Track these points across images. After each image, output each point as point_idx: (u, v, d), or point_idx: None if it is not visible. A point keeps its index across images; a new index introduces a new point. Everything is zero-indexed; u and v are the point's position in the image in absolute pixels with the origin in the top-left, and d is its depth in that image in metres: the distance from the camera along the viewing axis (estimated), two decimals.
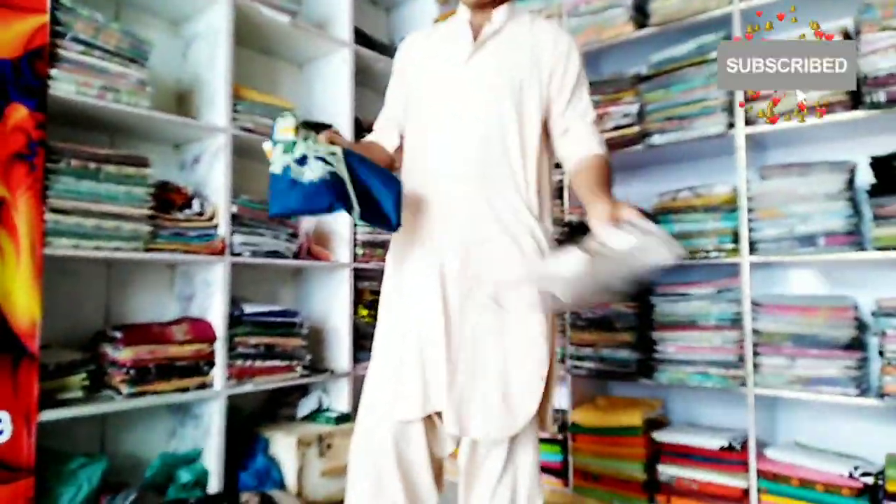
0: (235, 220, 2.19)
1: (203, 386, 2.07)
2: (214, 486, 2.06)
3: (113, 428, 2.13)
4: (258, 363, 2.22)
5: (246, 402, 2.44)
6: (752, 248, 2.15)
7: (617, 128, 2.45)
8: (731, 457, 2.14)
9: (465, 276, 1.36)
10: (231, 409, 2.13)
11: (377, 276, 2.77)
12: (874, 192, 1.96)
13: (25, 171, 1.69)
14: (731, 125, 2.19)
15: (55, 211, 1.74)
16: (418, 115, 1.50)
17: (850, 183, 2.04)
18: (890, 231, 1.92)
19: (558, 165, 2.54)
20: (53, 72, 1.77)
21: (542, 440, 1.94)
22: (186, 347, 2.03)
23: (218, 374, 2.10)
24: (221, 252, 2.13)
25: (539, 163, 1.44)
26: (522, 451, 1.41)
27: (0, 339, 1.62)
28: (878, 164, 1.97)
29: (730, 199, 2.23)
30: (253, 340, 2.21)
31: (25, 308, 1.67)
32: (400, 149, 1.57)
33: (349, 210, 1.24)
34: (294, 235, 2.41)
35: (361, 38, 2.77)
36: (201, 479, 2.05)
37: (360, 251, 2.64)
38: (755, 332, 2.12)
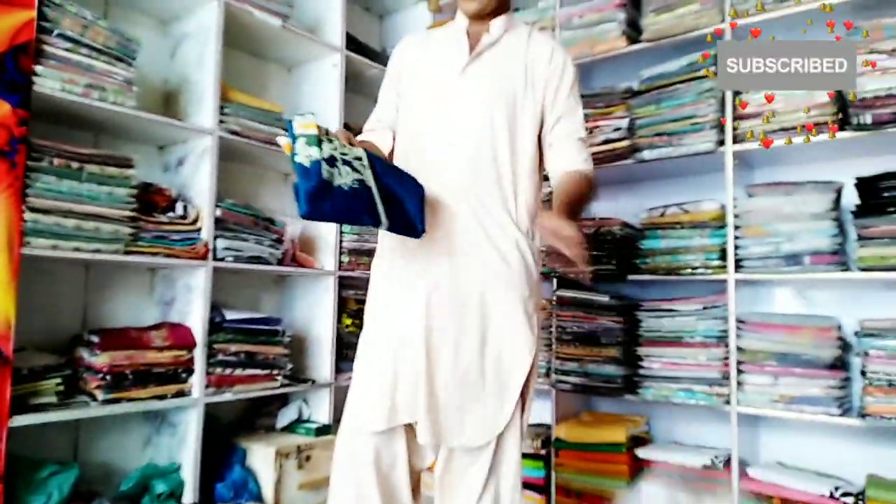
0: (219, 224, 2.15)
1: (181, 393, 2.02)
2: (190, 497, 2.00)
3: (87, 435, 2.07)
4: (238, 371, 2.18)
5: (224, 411, 2.39)
6: (738, 266, 2.16)
7: (607, 141, 2.46)
8: (714, 475, 2.14)
9: (450, 287, 1.34)
10: (209, 417, 2.08)
11: (362, 284, 2.74)
12: (859, 212, 1.98)
13: (6, 168, 1.64)
14: (721, 142, 2.20)
15: (34, 210, 1.70)
16: (411, 121, 1.49)
17: (837, 203, 2.06)
18: (874, 252, 1.94)
19: (548, 178, 2.55)
20: (38, 68, 1.72)
21: (525, 455, 1.92)
22: (165, 353, 1.98)
23: (196, 381, 2.05)
24: (204, 256, 2.09)
25: (530, 177, 1.44)
26: (504, 466, 1.39)
27: None
28: (863, 185, 1.99)
29: (717, 216, 2.24)
30: (233, 348, 2.17)
31: (0, 309, 1.62)
32: (392, 152, 1.55)
33: (377, 223, 1.21)
34: (279, 241, 2.37)
35: (353, 43, 2.75)
36: (176, 490, 1.99)
37: (345, 259, 2.61)
38: (739, 349, 2.13)
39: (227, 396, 2.13)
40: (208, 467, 2.08)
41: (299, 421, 2.43)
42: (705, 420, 2.40)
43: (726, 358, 2.16)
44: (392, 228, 1.24)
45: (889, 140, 1.96)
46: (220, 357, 2.12)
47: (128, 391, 1.88)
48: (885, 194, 1.94)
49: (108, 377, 1.83)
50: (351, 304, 2.67)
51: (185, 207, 2.09)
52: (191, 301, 2.12)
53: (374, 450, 1.33)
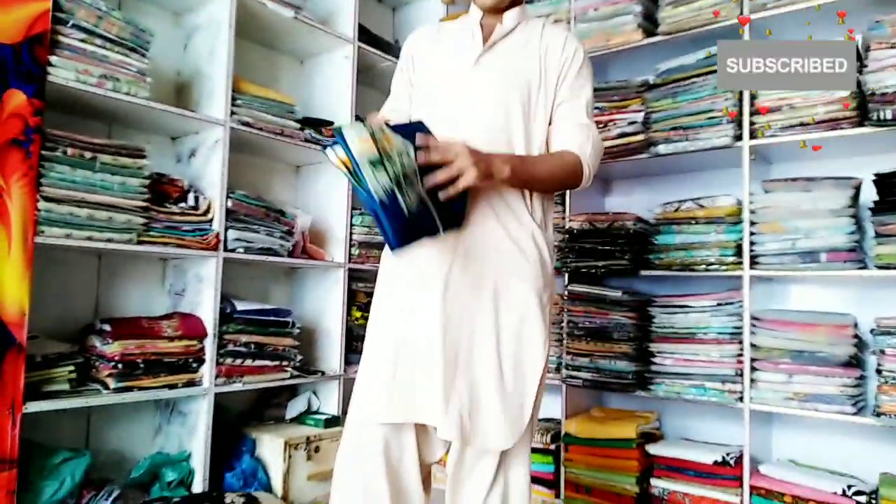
0: (230, 215, 2.16)
1: (191, 383, 2.03)
2: (199, 485, 2.02)
3: (98, 423, 2.09)
4: (248, 362, 2.19)
5: (234, 402, 2.40)
6: (754, 262, 2.13)
7: (622, 135, 2.43)
8: (725, 472, 2.12)
9: (466, 278, 1.33)
10: (219, 407, 2.09)
11: (372, 277, 2.72)
12: (877, 209, 1.95)
13: (21, 157, 1.66)
14: (738, 137, 2.17)
15: (48, 199, 1.71)
16: (424, 111, 1.47)
17: (855, 199, 2.03)
18: (891, 249, 1.91)
19: None
20: (53, 59, 1.73)
21: (534, 450, 1.92)
22: (176, 343, 2.00)
23: (207, 371, 2.06)
24: (215, 247, 2.10)
25: None
26: (515, 460, 1.38)
27: None
28: (881, 181, 1.96)
29: (733, 212, 2.21)
30: (244, 338, 2.18)
31: (15, 297, 1.63)
32: None
33: (435, 233, 1.18)
34: (289, 233, 2.37)
35: (366, 35, 2.74)
36: (186, 479, 2.01)
37: (355, 251, 2.61)
38: (753, 346, 2.11)
39: (237, 387, 2.14)
40: (218, 456, 2.09)
41: (308, 412, 2.44)
42: (717, 417, 2.38)
43: (740, 355, 2.13)
44: (445, 229, 1.20)
45: None
46: (231, 347, 2.13)
47: (139, 380, 1.90)
48: None
49: (119, 366, 1.85)
50: (360, 296, 2.67)
51: (196, 198, 2.10)
52: (201, 291, 2.13)
53: (384, 441, 1.32)
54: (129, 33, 1.90)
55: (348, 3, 2.65)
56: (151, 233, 1.94)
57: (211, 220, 2.11)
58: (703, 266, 2.24)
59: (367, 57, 2.74)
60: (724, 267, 2.20)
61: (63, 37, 1.76)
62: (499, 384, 1.31)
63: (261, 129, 2.28)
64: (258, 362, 2.22)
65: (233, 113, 2.18)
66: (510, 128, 1.38)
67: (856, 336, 2.00)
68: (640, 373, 2.35)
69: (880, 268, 1.92)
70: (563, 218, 2.58)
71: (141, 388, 1.90)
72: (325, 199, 2.65)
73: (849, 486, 1.90)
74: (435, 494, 1.45)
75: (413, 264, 1.38)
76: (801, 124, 2.06)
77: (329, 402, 2.50)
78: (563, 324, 2.52)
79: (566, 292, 2.53)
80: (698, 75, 2.26)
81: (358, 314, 2.64)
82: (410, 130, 1.17)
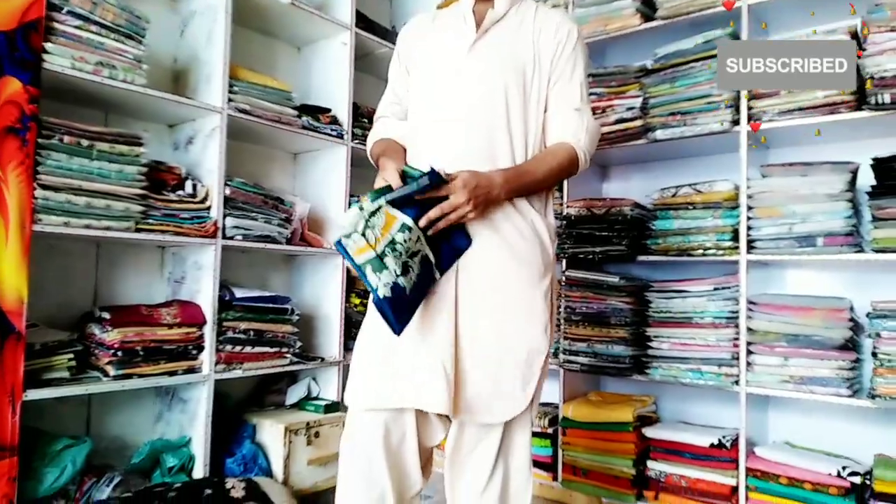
0: (228, 202, 2.16)
1: (191, 370, 2.04)
2: (200, 471, 2.04)
3: (98, 410, 2.10)
4: (247, 349, 2.20)
5: (234, 388, 2.42)
6: (751, 247, 2.14)
7: (620, 121, 2.43)
8: (721, 454, 2.14)
9: (466, 263, 1.33)
10: (219, 394, 2.11)
11: None
12: (874, 193, 1.95)
13: (17, 145, 1.65)
14: (735, 122, 2.17)
15: (45, 187, 1.71)
16: (422, 101, 1.48)
17: (852, 184, 2.03)
18: (889, 233, 1.91)
19: None
20: (48, 45, 1.73)
21: (533, 434, 1.92)
22: (175, 330, 2.00)
23: (206, 358, 2.07)
24: (213, 235, 2.10)
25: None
26: (516, 442, 1.39)
27: None
28: (879, 165, 1.96)
29: (730, 197, 2.21)
30: (243, 325, 2.18)
31: (13, 285, 1.64)
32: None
33: (433, 283, 1.28)
34: (287, 220, 2.37)
35: (363, 21, 2.73)
36: (186, 465, 2.03)
37: None
38: (750, 330, 2.12)
39: (237, 373, 2.16)
40: (218, 442, 2.11)
41: (308, 398, 2.45)
42: (714, 400, 2.40)
43: (736, 338, 2.15)
44: (443, 274, 1.30)
45: None
46: (230, 334, 2.14)
47: (139, 367, 1.91)
48: None
49: (119, 353, 1.86)
50: (359, 283, 2.68)
51: (194, 186, 2.10)
52: (200, 279, 2.13)
53: (384, 426, 1.33)
54: (125, 20, 1.89)
55: None
56: (150, 221, 1.94)
57: (209, 208, 2.11)
58: (701, 251, 2.24)
59: (365, 43, 2.72)
60: (721, 252, 2.20)
61: (58, 23, 1.75)
62: (498, 364, 1.32)
63: (258, 116, 2.27)
64: (258, 349, 2.23)
65: (230, 100, 2.18)
66: (508, 113, 1.38)
67: (852, 319, 2.01)
68: (637, 357, 2.37)
69: (877, 251, 1.93)
70: (561, 204, 2.58)
71: (141, 376, 1.91)
72: (323, 186, 2.65)
73: (843, 468, 1.92)
74: (435, 478, 1.46)
75: None
76: (799, 109, 2.06)
77: (328, 388, 2.51)
78: (561, 309, 2.53)
79: (564, 278, 2.54)
80: (696, 60, 2.25)
81: (357, 301, 2.65)
82: (420, 190, 1.23)
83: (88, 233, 1.80)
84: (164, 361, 1.97)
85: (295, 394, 2.45)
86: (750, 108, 2.14)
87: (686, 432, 2.25)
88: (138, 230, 1.91)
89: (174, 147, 2.30)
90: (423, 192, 1.23)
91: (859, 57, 1.96)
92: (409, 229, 1.21)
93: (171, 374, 1.98)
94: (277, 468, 2.15)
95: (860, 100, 1.97)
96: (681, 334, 2.27)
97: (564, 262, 2.55)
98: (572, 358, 2.48)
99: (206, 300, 2.09)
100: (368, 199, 1.21)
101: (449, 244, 1.30)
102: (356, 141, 2.61)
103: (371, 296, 1.22)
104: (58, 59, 1.74)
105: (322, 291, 2.60)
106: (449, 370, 1.28)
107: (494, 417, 1.34)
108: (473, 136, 1.37)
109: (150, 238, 1.96)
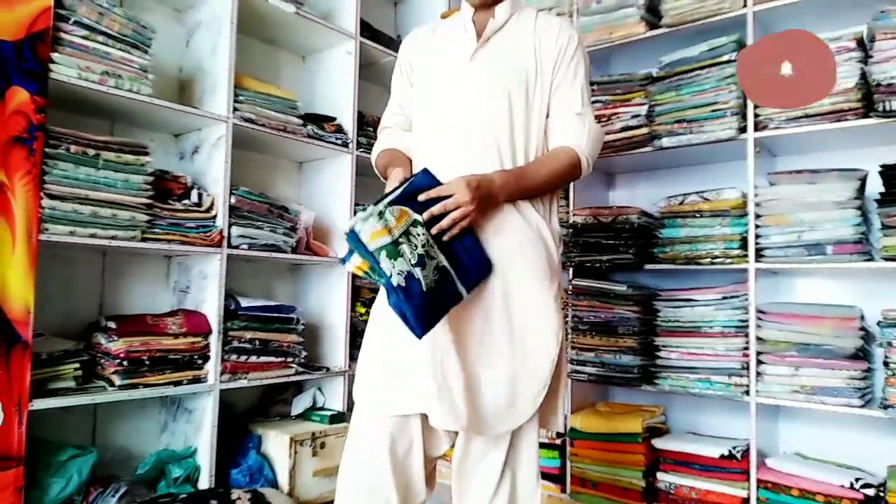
0: (233, 211, 2.16)
1: (196, 380, 2.03)
2: (205, 482, 2.02)
3: (104, 420, 2.09)
4: (253, 358, 2.19)
5: (239, 398, 2.41)
6: (759, 255, 2.12)
7: (626, 129, 2.42)
8: (732, 465, 2.12)
9: None
10: (224, 404, 2.10)
11: None
12: (883, 200, 1.94)
13: (24, 155, 1.66)
14: (742, 129, 2.16)
15: (52, 197, 1.71)
16: (424, 111, 1.48)
17: (861, 191, 2.02)
18: None
19: None
20: (55, 56, 1.73)
21: (540, 444, 1.91)
22: (180, 340, 2.00)
23: (212, 367, 2.06)
24: (219, 244, 2.10)
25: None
26: (523, 453, 1.38)
27: None
28: (887, 172, 1.95)
29: (738, 205, 2.20)
30: (248, 335, 2.17)
31: (19, 295, 1.64)
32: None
33: (458, 299, 1.24)
34: (293, 229, 2.37)
35: (368, 30, 2.74)
36: (192, 475, 2.01)
37: None
38: (759, 339, 2.10)
39: (243, 383, 2.15)
40: (224, 453, 2.09)
41: (314, 408, 2.44)
42: (723, 410, 2.38)
43: (746, 348, 2.13)
44: (470, 288, 1.26)
45: None
46: (235, 344, 2.13)
47: (144, 377, 1.90)
48: None
49: (124, 363, 1.85)
50: (364, 292, 2.67)
51: (199, 195, 2.10)
52: (206, 288, 2.12)
53: (390, 436, 1.32)
54: (131, 30, 1.90)
55: None
56: (155, 230, 1.94)
57: (214, 217, 2.11)
58: (709, 259, 2.23)
59: (370, 52, 2.73)
60: (729, 260, 2.19)
61: (65, 34, 1.76)
62: (510, 375, 1.31)
63: (263, 125, 2.27)
64: (263, 359, 2.22)
65: (235, 109, 2.18)
66: (511, 120, 1.37)
67: (862, 328, 1.99)
68: (645, 367, 2.35)
69: (887, 259, 1.91)
70: (567, 212, 2.57)
71: (146, 385, 1.90)
72: (328, 195, 2.64)
73: (856, 479, 1.90)
74: (442, 489, 1.44)
75: None
76: (806, 116, 2.05)
77: (334, 398, 2.50)
78: (568, 318, 2.51)
79: (570, 287, 2.52)
80: (702, 67, 2.25)
81: (362, 310, 2.64)
82: (414, 189, 1.22)
83: (94, 242, 1.80)
84: (170, 371, 1.96)
85: (300, 404, 2.44)
86: (756, 116, 2.14)
87: (696, 443, 2.23)
88: (144, 239, 1.91)
89: (180, 156, 2.30)
90: (420, 191, 1.22)
91: (865, 64, 1.95)
92: (421, 225, 1.18)
93: (177, 383, 1.98)
94: (283, 479, 2.14)
95: (867, 107, 1.96)
96: (689, 344, 2.25)
97: (571, 270, 2.54)
98: (580, 368, 2.46)
99: (212, 309, 2.09)
100: (372, 204, 1.20)
101: (469, 264, 1.27)
102: (361, 150, 2.61)
103: (387, 296, 1.17)
104: (64, 69, 1.75)
105: (327, 301, 2.59)
106: (461, 384, 1.26)
107: (503, 427, 1.32)
108: (476, 144, 1.37)
109: (156, 247, 1.95)
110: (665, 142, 2.31)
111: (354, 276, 2.58)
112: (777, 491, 2.01)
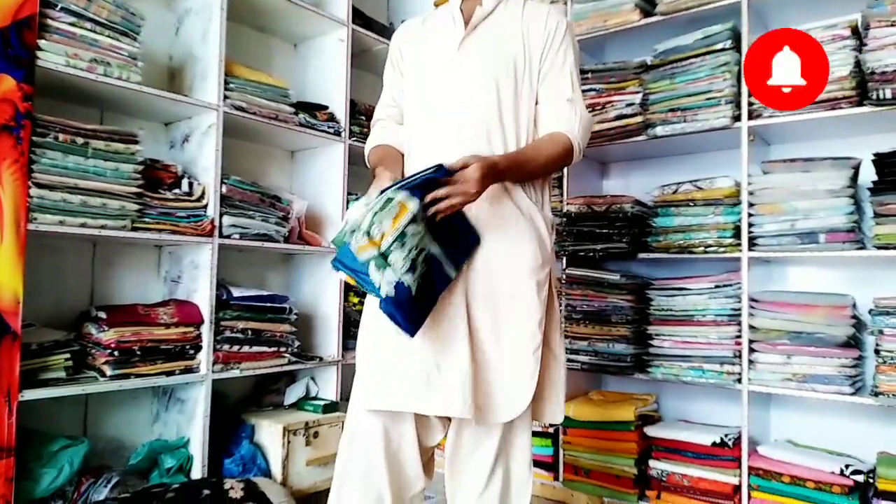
0: (225, 200, 2.14)
1: (188, 370, 2.02)
2: (198, 472, 2.02)
3: (96, 410, 2.08)
4: (245, 348, 2.18)
5: (232, 388, 2.40)
6: (752, 244, 2.12)
7: (620, 117, 2.41)
8: (723, 453, 2.13)
9: (475, 262, 1.32)
10: (217, 394, 2.09)
11: None
12: (876, 189, 1.94)
13: (11, 143, 1.63)
14: (736, 118, 2.15)
15: (40, 186, 1.69)
16: (415, 102, 1.48)
17: (854, 179, 2.02)
18: (890, 229, 1.90)
19: None
20: (42, 42, 1.71)
21: (533, 433, 1.92)
22: (172, 330, 1.99)
23: (204, 358, 2.05)
24: (210, 233, 2.08)
25: None
26: (516, 442, 1.38)
27: None
28: (881, 160, 1.94)
29: (732, 194, 2.20)
30: (240, 325, 2.16)
31: (8, 285, 1.62)
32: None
33: (448, 283, 1.26)
34: (285, 218, 2.35)
35: (360, 18, 2.71)
36: (185, 465, 2.01)
37: None
38: (752, 328, 2.10)
39: (235, 373, 2.14)
40: (216, 443, 2.09)
41: (307, 398, 2.43)
42: (716, 398, 2.39)
43: (738, 336, 2.13)
44: (461, 264, 1.28)
45: None
46: (228, 334, 2.12)
47: (136, 367, 1.89)
48: None
49: (115, 353, 1.84)
50: None
51: (190, 184, 2.08)
52: (197, 278, 2.11)
53: (382, 428, 1.32)
54: (120, 17, 1.87)
55: None
56: (146, 219, 1.93)
57: (205, 206, 2.09)
58: (702, 248, 2.23)
59: (362, 40, 2.71)
60: (722, 249, 2.19)
61: (52, 20, 1.73)
62: (499, 362, 1.31)
63: (254, 113, 2.25)
64: (255, 348, 2.21)
65: (226, 97, 2.16)
66: (500, 107, 1.37)
67: (854, 316, 2.00)
68: (638, 355, 2.35)
69: (879, 248, 1.91)
70: (561, 201, 2.56)
71: (138, 376, 1.89)
72: (320, 184, 2.63)
73: (846, 466, 1.91)
74: (437, 478, 1.45)
75: None
76: None
77: (327, 388, 2.50)
78: (562, 307, 2.51)
79: (564, 276, 2.52)
80: (696, 56, 2.24)
81: (355, 300, 2.63)
82: (426, 181, 1.20)
83: (84, 231, 1.78)
84: (162, 361, 1.95)
85: (293, 394, 2.43)
86: (750, 104, 2.13)
87: (688, 431, 2.24)
88: (134, 229, 1.89)
89: (170, 145, 2.28)
90: (432, 182, 1.20)
91: (860, 52, 1.95)
92: (416, 220, 1.17)
93: (169, 373, 1.97)
94: (276, 468, 2.14)
95: (861, 95, 1.96)
96: (682, 332, 2.25)
97: (565, 259, 2.54)
98: (573, 357, 2.47)
99: (204, 299, 2.08)
100: (374, 195, 1.18)
101: (456, 240, 1.27)
102: (353, 138, 2.59)
103: (377, 302, 1.19)
104: (52, 57, 1.72)
105: (320, 290, 2.59)
106: (466, 372, 1.26)
107: (496, 417, 1.32)
108: (466, 132, 1.37)
109: (147, 237, 1.94)
110: (659, 130, 2.30)
111: None
112: (768, 478, 2.03)
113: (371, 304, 1.42)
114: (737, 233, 2.17)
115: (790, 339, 2.04)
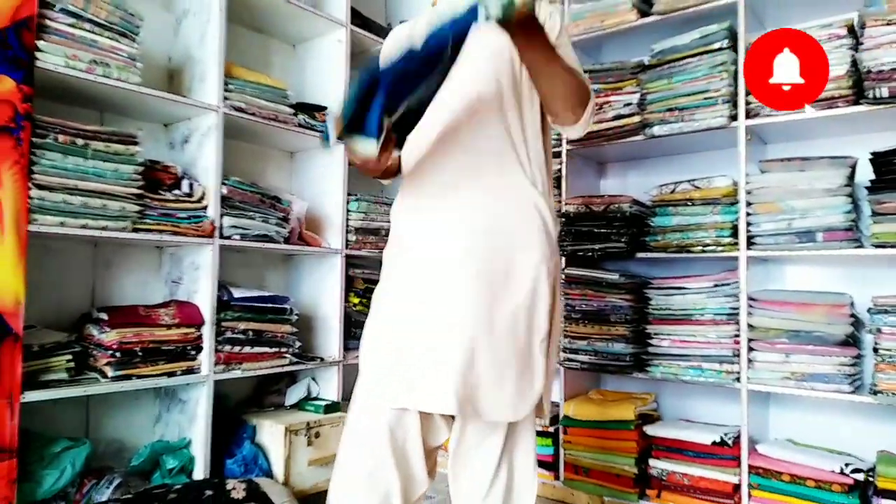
0: (225, 201, 2.14)
1: (190, 371, 2.03)
2: (200, 472, 2.02)
3: (97, 412, 2.08)
4: (246, 349, 2.18)
5: (233, 389, 2.40)
6: (750, 243, 2.13)
7: (617, 117, 2.42)
8: (723, 452, 2.14)
9: (472, 258, 1.31)
10: (218, 395, 2.09)
11: (369, 263, 2.74)
12: (873, 187, 1.95)
13: (11, 145, 1.64)
14: (734, 117, 2.16)
15: (40, 187, 1.69)
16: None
17: (851, 178, 2.03)
18: (888, 228, 1.91)
19: (557, 156, 2.51)
20: (41, 44, 1.71)
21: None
22: (173, 331, 1.99)
23: (205, 359, 2.05)
24: (210, 234, 2.09)
25: (538, 138, 1.41)
26: (521, 441, 1.38)
27: None
28: (877, 159, 1.95)
29: (729, 193, 2.21)
30: (241, 326, 2.17)
31: (9, 287, 1.62)
32: None
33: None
34: (285, 219, 2.36)
35: (359, 18, 2.72)
36: (187, 466, 2.01)
37: (352, 238, 2.60)
38: (750, 327, 2.11)
39: (236, 374, 2.14)
40: (218, 443, 2.09)
41: (308, 398, 2.44)
42: (715, 397, 2.40)
43: (737, 335, 2.14)
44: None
45: None
46: (229, 335, 2.13)
47: (137, 368, 1.89)
48: None
49: (117, 354, 1.84)
50: (358, 282, 2.67)
51: (190, 185, 2.08)
52: (198, 279, 2.11)
53: (387, 426, 1.31)
54: (119, 18, 1.87)
55: None
56: (146, 220, 1.93)
57: (206, 207, 2.09)
58: (700, 247, 2.24)
59: (361, 40, 2.71)
60: (720, 248, 2.20)
61: (51, 21, 1.73)
62: (506, 357, 1.30)
63: (254, 114, 2.25)
64: (257, 349, 2.21)
65: (225, 98, 2.16)
66: (501, 104, 1.36)
67: (852, 315, 2.01)
68: (637, 355, 2.36)
69: (877, 246, 1.92)
70: (560, 202, 2.57)
71: (139, 377, 1.89)
72: (320, 185, 2.63)
73: (846, 465, 1.91)
74: (438, 478, 1.45)
75: (422, 242, 1.36)
76: None
77: (328, 388, 2.50)
78: (562, 306, 2.52)
79: (563, 276, 2.53)
80: (693, 55, 2.24)
81: (356, 300, 2.63)
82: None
83: (85, 233, 1.78)
84: (163, 362, 1.96)
85: (295, 394, 2.44)
86: (748, 104, 2.14)
87: (687, 430, 2.25)
88: (135, 230, 1.89)
89: (170, 146, 2.28)
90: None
91: (856, 50, 1.96)
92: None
93: (170, 374, 1.97)
94: (278, 469, 2.14)
95: (858, 94, 1.97)
96: (681, 331, 2.26)
97: (563, 259, 2.54)
98: (572, 356, 2.48)
99: (205, 300, 2.08)
100: None
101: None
102: None
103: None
104: (51, 58, 1.72)
105: (320, 291, 2.59)
106: (463, 367, 1.26)
107: (501, 415, 1.32)
108: (469, 131, 1.36)
109: (147, 238, 1.94)
110: (656, 130, 2.31)
111: (348, 267, 2.58)
112: (768, 476, 2.04)
113: (375, 304, 1.42)
114: (735, 232, 2.18)
115: (789, 338, 2.05)
